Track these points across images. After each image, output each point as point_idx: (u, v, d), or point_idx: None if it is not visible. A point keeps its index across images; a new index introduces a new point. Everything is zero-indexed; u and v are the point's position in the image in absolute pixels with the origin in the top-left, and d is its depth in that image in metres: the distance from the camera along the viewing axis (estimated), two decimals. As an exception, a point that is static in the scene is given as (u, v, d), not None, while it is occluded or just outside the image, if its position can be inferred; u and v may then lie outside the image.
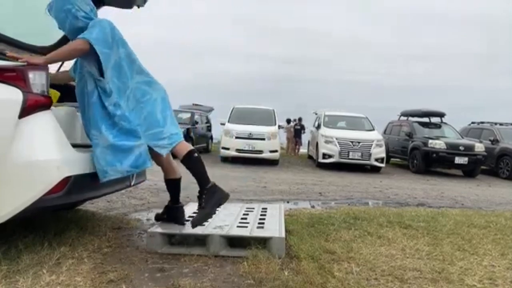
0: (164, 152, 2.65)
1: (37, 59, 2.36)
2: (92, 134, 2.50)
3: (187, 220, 2.98)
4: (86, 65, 2.52)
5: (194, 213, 3.25)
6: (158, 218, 3.01)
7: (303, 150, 15.45)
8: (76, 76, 2.63)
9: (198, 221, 2.62)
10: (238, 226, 2.89)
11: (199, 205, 2.69)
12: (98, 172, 2.44)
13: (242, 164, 9.92)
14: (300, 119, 15.77)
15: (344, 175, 8.90)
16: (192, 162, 2.69)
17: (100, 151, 2.44)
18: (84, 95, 2.55)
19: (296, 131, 15.43)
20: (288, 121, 16.00)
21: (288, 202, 5.18)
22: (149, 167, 2.61)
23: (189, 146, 2.72)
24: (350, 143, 9.98)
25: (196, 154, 2.71)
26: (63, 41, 3.40)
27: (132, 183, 2.97)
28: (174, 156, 2.76)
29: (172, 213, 2.93)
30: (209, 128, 14.71)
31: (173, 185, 2.92)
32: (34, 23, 3.26)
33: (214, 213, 2.68)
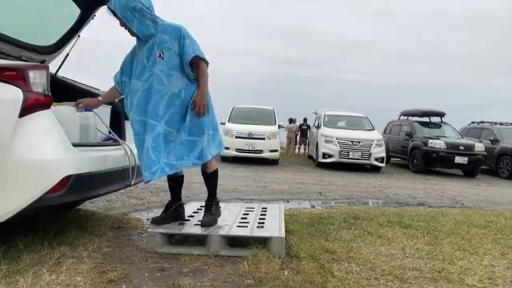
0: (212, 154, 2.81)
1: (202, 97, 2.69)
2: (169, 132, 2.68)
3: (187, 220, 2.99)
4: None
5: (194, 212, 3.26)
6: (156, 221, 2.89)
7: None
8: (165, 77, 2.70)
9: (209, 223, 2.83)
10: (238, 226, 2.89)
11: (209, 211, 2.92)
12: (167, 165, 2.63)
13: (242, 164, 9.92)
14: (305, 120, 15.79)
15: (344, 175, 8.90)
16: (215, 179, 2.97)
17: (173, 146, 2.66)
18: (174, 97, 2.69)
19: (303, 131, 15.44)
20: (291, 120, 15.99)
21: (288, 201, 5.19)
22: (209, 159, 2.77)
23: (216, 164, 2.96)
24: (350, 143, 9.98)
25: (218, 174, 2.99)
26: (63, 41, 3.40)
27: (132, 183, 2.97)
28: None
29: (175, 210, 2.95)
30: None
31: (206, 177, 2.98)
32: (34, 23, 3.27)
33: (217, 222, 2.90)
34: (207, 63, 2.76)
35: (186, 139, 2.68)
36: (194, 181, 2.88)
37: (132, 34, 2.68)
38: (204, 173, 2.92)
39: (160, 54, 2.67)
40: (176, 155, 2.66)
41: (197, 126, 2.71)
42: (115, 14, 2.58)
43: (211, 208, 2.91)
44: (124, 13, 2.54)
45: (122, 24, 2.62)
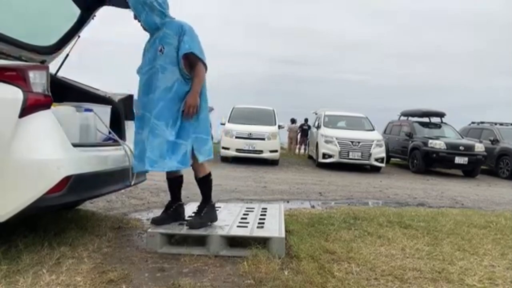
0: (202, 159, 2.77)
1: (194, 99, 2.67)
2: (156, 125, 2.64)
3: (187, 220, 2.99)
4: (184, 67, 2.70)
5: (194, 212, 3.26)
6: (156, 222, 2.90)
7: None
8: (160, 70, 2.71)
9: (193, 225, 2.79)
10: (238, 226, 2.89)
11: (198, 213, 2.89)
12: (147, 160, 2.63)
13: (242, 164, 9.92)
14: (306, 120, 15.79)
15: (344, 175, 8.89)
16: (208, 183, 2.92)
17: (158, 142, 2.62)
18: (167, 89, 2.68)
19: (303, 131, 15.44)
20: (293, 120, 15.99)
21: (288, 202, 5.18)
22: (188, 167, 2.75)
23: (208, 168, 2.91)
24: (350, 143, 9.98)
25: (211, 177, 2.94)
26: (63, 41, 3.40)
27: (132, 183, 2.97)
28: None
29: (175, 210, 2.95)
30: (209, 128, 14.67)
31: (197, 182, 2.95)
32: (34, 23, 3.27)
33: (206, 225, 2.83)
34: (205, 65, 2.75)
35: (173, 140, 2.66)
36: (193, 182, 2.88)
37: (143, 28, 2.77)
38: (196, 178, 2.90)
39: (161, 49, 2.71)
40: (161, 152, 2.63)
41: (184, 128, 2.70)
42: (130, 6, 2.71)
43: (202, 211, 2.88)
44: (136, 5, 2.67)
45: (135, 17, 2.74)
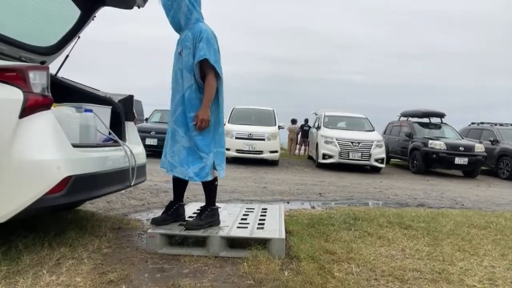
0: (222, 174, 2.80)
1: (205, 112, 2.61)
2: (176, 130, 2.71)
3: (186, 221, 2.99)
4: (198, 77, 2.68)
5: (194, 213, 3.26)
6: (156, 222, 2.91)
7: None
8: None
9: (191, 226, 2.77)
10: (238, 227, 2.89)
11: (199, 215, 2.87)
12: (168, 164, 2.75)
13: (242, 165, 9.92)
14: (306, 120, 15.78)
15: (344, 176, 8.89)
16: (213, 187, 2.90)
17: (178, 148, 2.69)
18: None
19: (304, 132, 15.43)
20: (293, 121, 15.98)
21: (288, 202, 5.18)
22: (209, 179, 2.74)
23: (216, 172, 2.88)
24: (350, 144, 9.98)
25: (217, 182, 2.92)
26: (64, 41, 3.41)
27: (132, 183, 2.97)
28: None
29: (175, 211, 2.95)
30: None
31: (203, 184, 2.94)
32: (35, 24, 3.27)
33: (205, 227, 2.79)
34: (217, 75, 2.66)
35: (192, 148, 2.67)
36: (193, 182, 2.88)
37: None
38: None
39: (180, 51, 2.72)
40: (180, 159, 2.69)
41: (205, 140, 2.68)
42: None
43: (202, 214, 2.86)
44: (165, 2, 2.68)
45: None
